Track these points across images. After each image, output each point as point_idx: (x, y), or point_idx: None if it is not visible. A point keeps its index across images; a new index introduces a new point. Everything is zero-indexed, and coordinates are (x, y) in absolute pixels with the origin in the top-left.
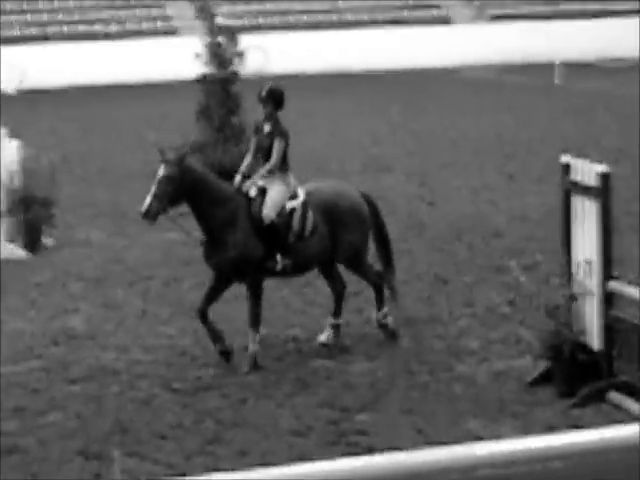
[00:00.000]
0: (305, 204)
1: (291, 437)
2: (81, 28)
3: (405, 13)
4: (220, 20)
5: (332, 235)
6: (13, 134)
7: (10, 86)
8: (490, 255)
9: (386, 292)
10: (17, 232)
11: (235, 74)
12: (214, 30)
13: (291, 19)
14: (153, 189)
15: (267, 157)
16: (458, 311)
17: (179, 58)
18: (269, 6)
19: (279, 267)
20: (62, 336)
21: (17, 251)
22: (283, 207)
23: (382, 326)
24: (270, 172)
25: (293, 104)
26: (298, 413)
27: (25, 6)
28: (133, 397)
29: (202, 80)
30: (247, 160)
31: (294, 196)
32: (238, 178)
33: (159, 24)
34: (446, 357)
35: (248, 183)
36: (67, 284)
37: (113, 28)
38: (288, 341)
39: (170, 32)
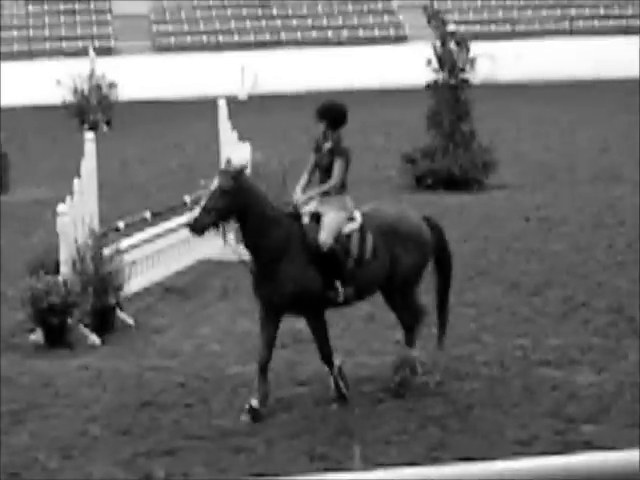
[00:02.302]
0: (363, 227)
1: (516, 446)
2: (314, 34)
3: (638, 22)
4: (451, 27)
5: (391, 260)
6: (244, 138)
7: (243, 91)
8: None
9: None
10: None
11: (465, 81)
12: (445, 37)
13: (521, 27)
14: (204, 201)
15: (326, 177)
16: None
17: (409, 65)
18: (500, 14)
19: (341, 298)
20: (289, 339)
21: (247, 253)
22: (340, 231)
23: (402, 385)
24: (326, 193)
25: (522, 112)
26: (523, 422)
27: (259, 12)
28: (359, 401)
29: (432, 87)
30: (303, 179)
31: (351, 219)
32: (295, 199)
33: (391, 31)
34: None
35: (301, 205)
36: None
37: (345, 34)
38: (515, 349)
39: (401, 39)
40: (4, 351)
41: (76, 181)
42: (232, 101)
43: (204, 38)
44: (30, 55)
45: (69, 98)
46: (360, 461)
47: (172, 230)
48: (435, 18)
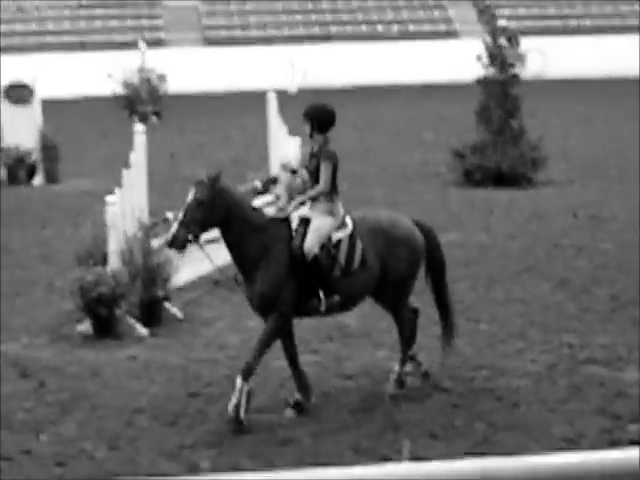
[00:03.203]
0: (353, 234)
1: (562, 443)
2: (364, 29)
3: None
4: (501, 22)
5: (383, 266)
6: (293, 132)
7: (292, 84)
8: None
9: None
10: None
11: (515, 77)
12: (495, 32)
13: (572, 23)
14: (180, 215)
15: (313, 181)
16: None
17: (459, 60)
18: (551, 10)
19: (323, 307)
20: (337, 333)
21: None
22: (329, 239)
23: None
24: (314, 199)
25: (572, 108)
26: (570, 419)
27: (310, 6)
28: (405, 395)
29: (482, 82)
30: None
31: (341, 225)
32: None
33: (441, 26)
34: None
35: (291, 210)
36: None
37: (395, 29)
38: (562, 346)
39: (451, 34)
40: (53, 341)
41: (125, 172)
42: (281, 95)
43: (254, 31)
44: (81, 47)
45: (119, 90)
46: (408, 455)
47: None
48: (486, 13)
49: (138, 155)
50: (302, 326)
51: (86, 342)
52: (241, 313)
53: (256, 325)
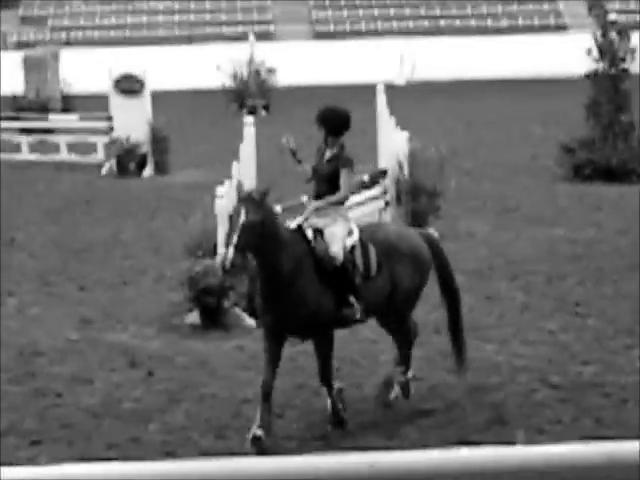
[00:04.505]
0: (363, 240)
1: None
2: (473, 22)
3: None
4: (612, 16)
5: (391, 279)
6: (402, 125)
7: (400, 78)
8: None
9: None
10: (403, 221)
11: (625, 71)
12: (606, 26)
13: None
14: (235, 238)
15: (324, 186)
16: None
17: (569, 54)
18: None
19: (358, 314)
20: (444, 326)
21: None
22: (344, 244)
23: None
24: (324, 206)
25: None
26: None
27: None
28: (513, 390)
29: (592, 76)
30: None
31: (350, 232)
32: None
33: (551, 20)
34: None
35: (307, 219)
36: None
37: (504, 23)
38: None
39: (561, 28)
40: (161, 331)
41: (235, 164)
42: (390, 88)
43: (363, 25)
44: (190, 40)
45: (228, 83)
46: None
47: None
48: (596, 7)
49: (247, 147)
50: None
51: (194, 332)
52: None
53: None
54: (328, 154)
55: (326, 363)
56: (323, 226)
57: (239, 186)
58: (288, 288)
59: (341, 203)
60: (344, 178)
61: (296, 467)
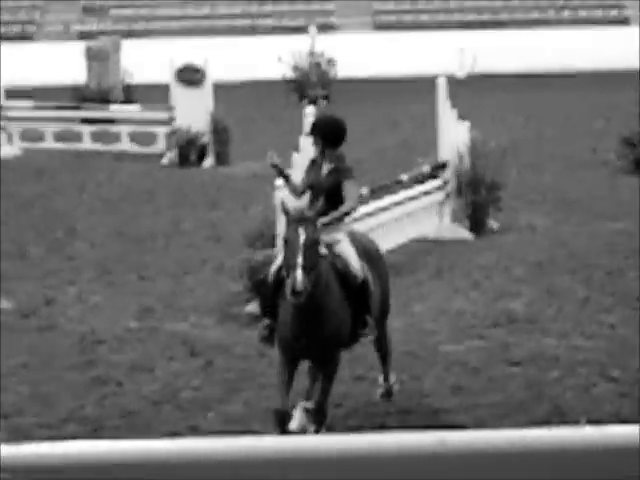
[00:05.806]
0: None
1: None
2: (535, 14)
3: None
4: None
5: (380, 287)
6: (462, 117)
7: (461, 70)
8: None
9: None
10: (464, 213)
11: None
12: None
13: None
14: (300, 260)
15: (324, 201)
16: None
17: (631, 47)
18: None
19: (371, 332)
20: (503, 318)
21: (463, 232)
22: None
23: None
24: (339, 218)
25: None
26: None
27: None
28: (572, 384)
29: None
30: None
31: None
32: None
33: (613, 13)
34: None
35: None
36: (510, 268)
37: (566, 15)
38: None
39: (623, 21)
40: (221, 321)
41: (295, 155)
42: (451, 80)
43: (424, 17)
44: (252, 31)
45: (289, 74)
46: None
47: (384, 209)
48: None
49: (307, 138)
50: (469, 312)
51: (254, 322)
52: (406, 298)
53: (422, 309)
54: (326, 167)
55: (329, 388)
56: (331, 242)
57: (283, 205)
58: (320, 308)
59: (347, 215)
60: (351, 188)
61: (364, 444)
